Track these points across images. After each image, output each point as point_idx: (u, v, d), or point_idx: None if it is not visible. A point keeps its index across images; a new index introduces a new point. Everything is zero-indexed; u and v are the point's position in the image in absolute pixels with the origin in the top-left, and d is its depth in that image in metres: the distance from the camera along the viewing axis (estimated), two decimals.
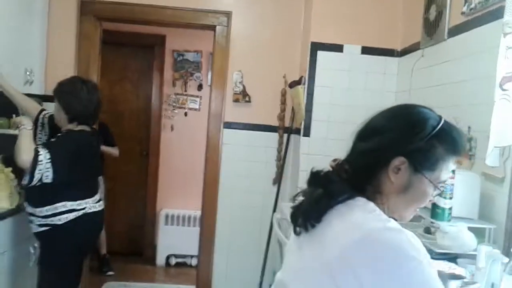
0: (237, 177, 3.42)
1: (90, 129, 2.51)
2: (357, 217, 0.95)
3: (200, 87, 4.63)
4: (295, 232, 1.05)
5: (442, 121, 1.03)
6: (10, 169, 2.27)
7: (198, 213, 3.88)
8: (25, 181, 2.15)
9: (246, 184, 3.43)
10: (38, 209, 2.26)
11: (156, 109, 4.64)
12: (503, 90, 1.64)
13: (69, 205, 2.29)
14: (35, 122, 2.53)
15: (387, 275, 0.87)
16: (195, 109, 4.64)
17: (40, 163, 2.10)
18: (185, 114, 4.63)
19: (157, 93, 4.65)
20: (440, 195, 1.74)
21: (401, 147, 1.00)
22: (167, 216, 4.43)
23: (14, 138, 2.52)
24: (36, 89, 3.06)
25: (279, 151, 3.39)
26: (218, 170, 3.41)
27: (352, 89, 3.11)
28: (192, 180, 4.29)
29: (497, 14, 1.90)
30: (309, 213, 1.01)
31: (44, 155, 2.12)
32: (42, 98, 3.08)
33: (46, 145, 2.22)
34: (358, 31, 3.12)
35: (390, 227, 0.92)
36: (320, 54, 3.10)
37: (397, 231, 0.91)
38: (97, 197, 2.48)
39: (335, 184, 1.01)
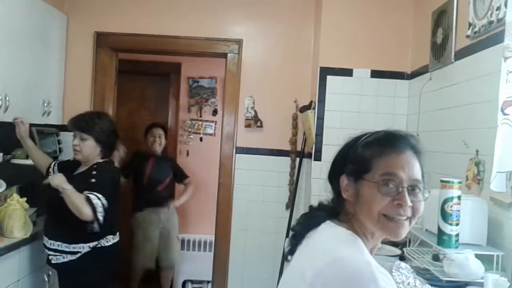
0: (250, 202, 3.43)
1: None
2: (330, 243, 1.01)
3: (215, 112, 4.70)
4: (287, 259, 1.12)
5: (370, 132, 1.10)
6: (24, 199, 2.34)
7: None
8: (95, 229, 2.26)
9: (259, 209, 3.44)
10: (76, 245, 2.32)
11: (172, 135, 4.71)
12: (505, 114, 1.63)
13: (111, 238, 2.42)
14: (47, 174, 2.60)
15: None
16: (210, 134, 4.70)
17: (98, 206, 2.22)
18: (201, 139, 4.69)
19: (173, 119, 4.74)
20: (446, 221, 1.74)
21: (341, 167, 1.09)
22: (183, 241, 4.45)
23: (30, 168, 2.61)
24: (54, 120, 3.17)
25: (291, 176, 3.40)
26: (231, 195, 3.44)
27: (362, 112, 3.12)
28: (208, 204, 4.30)
29: (500, 37, 1.89)
30: (296, 237, 1.11)
31: (96, 200, 2.23)
32: (59, 128, 3.19)
33: (92, 189, 2.28)
34: (367, 55, 3.13)
35: (359, 257, 0.96)
36: (330, 79, 3.12)
37: (364, 262, 0.94)
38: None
39: (319, 211, 1.12)
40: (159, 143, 4.03)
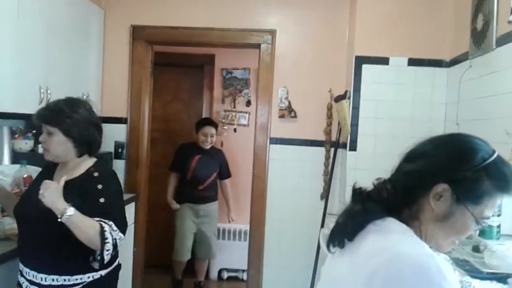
0: (284, 192, 3.44)
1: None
2: (392, 239, 0.95)
3: (248, 103, 4.71)
4: (328, 249, 1.07)
5: (495, 155, 0.99)
6: None
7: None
8: (94, 266, 1.81)
9: (294, 199, 3.44)
10: (79, 276, 1.81)
11: None
12: None
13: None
14: None
15: None
16: (244, 125, 4.72)
17: (107, 243, 1.71)
18: (235, 130, 4.72)
19: (207, 110, 4.79)
20: None
21: (446, 174, 0.98)
22: (219, 231, 4.51)
23: None
24: None
25: (326, 166, 3.39)
26: (265, 185, 3.46)
27: (399, 101, 3.07)
28: (243, 195, 4.34)
29: None
30: (345, 228, 1.03)
31: (108, 233, 1.72)
32: None
33: (103, 214, 1.76)
34: (404, 43, 3.07)
35: (422, 251, 0.91)
36: (365, 68, 3.08)
37: (429, 256, 0.90)
38: None
39: (374, 202, 1.02)
40: (210, 142, 4.10)
